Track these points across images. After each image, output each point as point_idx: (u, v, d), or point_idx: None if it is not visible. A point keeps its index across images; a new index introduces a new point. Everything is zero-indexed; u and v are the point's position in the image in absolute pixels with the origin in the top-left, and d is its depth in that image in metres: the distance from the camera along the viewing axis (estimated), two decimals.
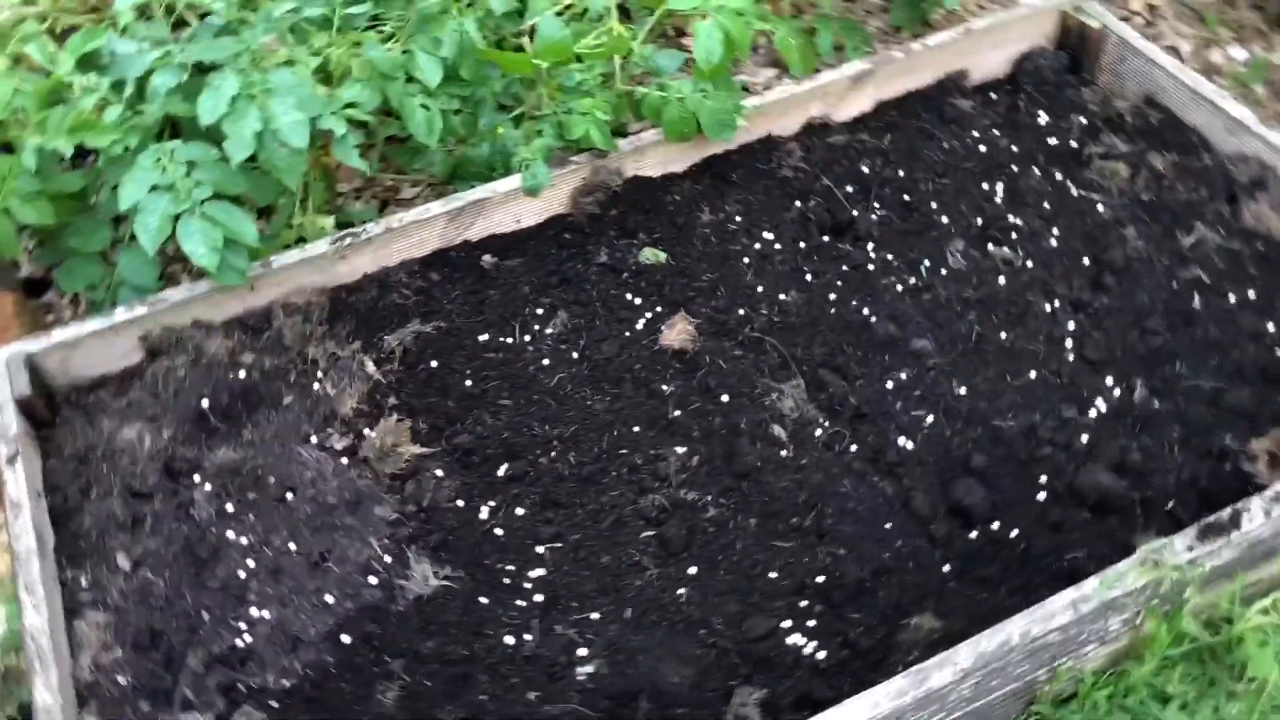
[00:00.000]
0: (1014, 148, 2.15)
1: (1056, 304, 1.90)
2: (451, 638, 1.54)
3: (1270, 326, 1.83)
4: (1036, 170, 2.11)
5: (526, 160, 2.03)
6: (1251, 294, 1.88)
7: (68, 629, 1.57)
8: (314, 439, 1.79)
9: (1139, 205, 2.02)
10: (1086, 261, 1.95)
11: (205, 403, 1.82)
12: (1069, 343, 1.84)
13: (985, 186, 2.09)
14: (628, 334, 1.91)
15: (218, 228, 1.80)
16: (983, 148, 2.15)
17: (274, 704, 1.50)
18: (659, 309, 1.94)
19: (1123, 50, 2.23)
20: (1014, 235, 2.00)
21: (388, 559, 1.63)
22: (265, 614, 1.60)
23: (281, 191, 2.11)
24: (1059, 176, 2.09)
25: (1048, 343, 1.84)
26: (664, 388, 1.83)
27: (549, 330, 1.92)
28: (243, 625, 1.59)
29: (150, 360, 1.89)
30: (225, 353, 1.89)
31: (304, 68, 1.91)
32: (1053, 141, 2.16)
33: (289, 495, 1.72)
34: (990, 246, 1.99)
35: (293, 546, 1.66)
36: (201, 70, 1.86)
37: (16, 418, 1.75)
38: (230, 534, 1.68)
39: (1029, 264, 1.96)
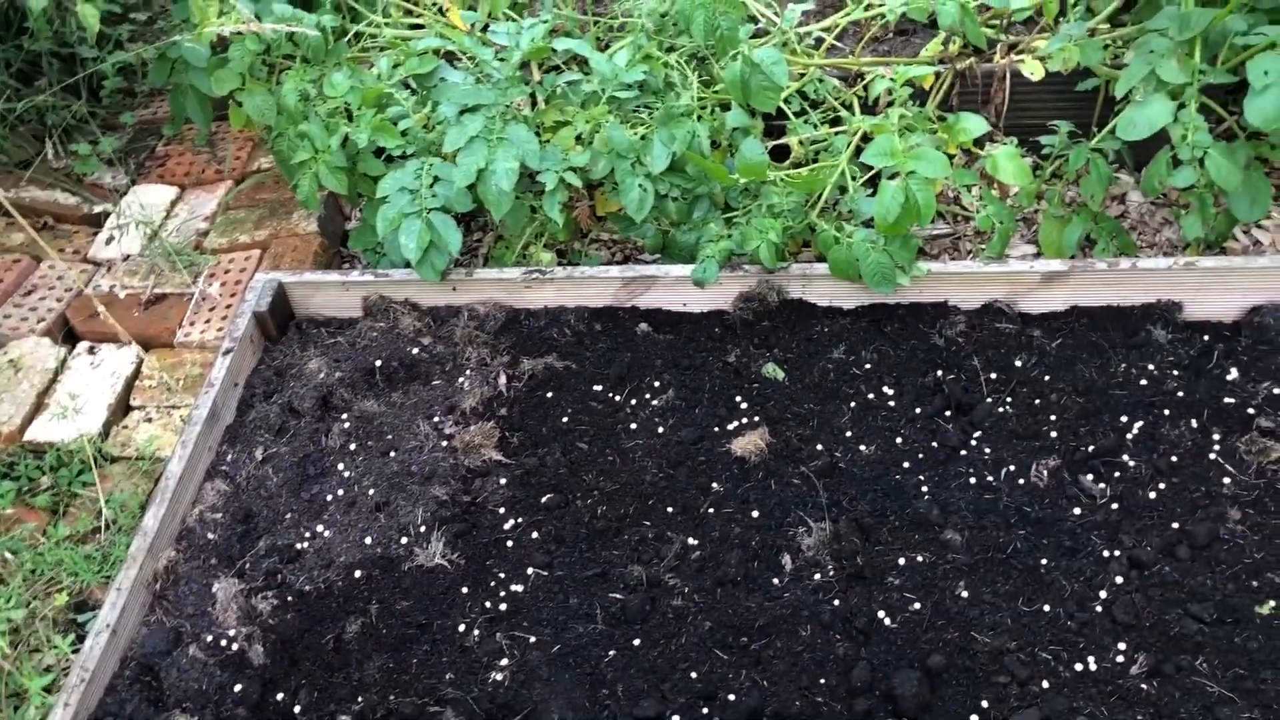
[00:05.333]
0: (1180, 393, 2.05)
1: (1116, 554, 1.82)
2: (421, 607, 1.84)
3: None
4: (1190, 423, 2.00)
5: (705, 256, 2.27)
6: None
7: (199, 485, 2.07)
8: (434, 418, 2.16)
9: (1269, 493, 1.87)
10: (1174, 526, 1.85)
11: (379, 363, 2.26)
12: (1104, 594, 1.77)
13: (1123, 419, 2.02)
14: (715, 429, 2.10)
15: (430, 232, 2.24)
16: (1144, 382, 2.08)
17: (289, 598, 1.89)
18: (755, 418, 2.11)
19: None
20: (1116, 474, 1.93)
21: (421, 529, 1.97)
22: (325, 532, 2.00)
23: (529, 223, 2.53)
24: (1208, 437, 1.97)
25: (1084, 586, 1.79)
26: (713, 484, 2.00)
27: (654, 402, 2.16)
28: (307, 534, 2.00)
29: (363, 317, 2.38)
30: (412, 330, 2.32)
31: (543, 129, 2.30)
32: (1228, 401, 2.03)
33: (392, 453, 2.11)
34: (1085, 476, 1.93)
35: (370, 492, 2.05)
36: (470, 110, 2.30)
37: (247, 324, 2.29)
38: (339, 465, 2.10)
39: (1113, 506, 1.89)
